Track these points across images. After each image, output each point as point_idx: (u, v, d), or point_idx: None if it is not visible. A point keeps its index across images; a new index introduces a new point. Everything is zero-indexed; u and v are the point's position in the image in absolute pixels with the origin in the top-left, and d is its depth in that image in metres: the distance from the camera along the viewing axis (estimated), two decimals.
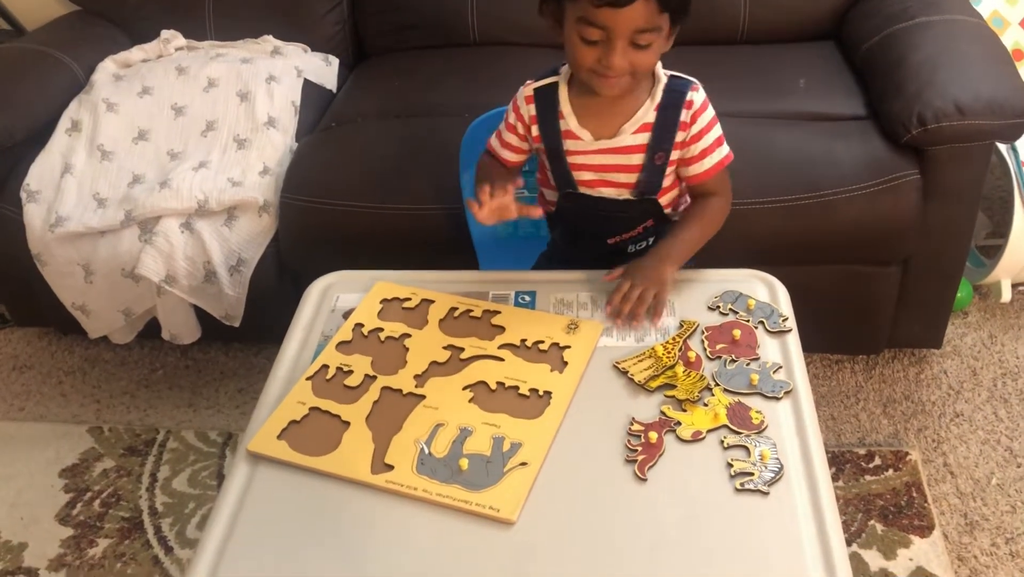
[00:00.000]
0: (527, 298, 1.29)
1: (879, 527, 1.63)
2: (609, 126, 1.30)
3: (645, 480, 1.00)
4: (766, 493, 0.98)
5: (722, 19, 2.16)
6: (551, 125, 1.32)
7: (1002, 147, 2.01)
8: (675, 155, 1.31)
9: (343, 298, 1.32)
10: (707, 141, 1.29)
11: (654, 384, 1.12)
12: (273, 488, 1.04)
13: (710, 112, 1.30)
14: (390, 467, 1.03)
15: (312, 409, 1.12)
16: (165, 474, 1.86)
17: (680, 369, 1.13)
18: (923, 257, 1.80)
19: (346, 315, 1.28)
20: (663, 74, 1.29)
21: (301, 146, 1.99)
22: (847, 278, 1.82)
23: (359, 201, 1.81)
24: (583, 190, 1.35)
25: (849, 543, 1.58)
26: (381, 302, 1.29)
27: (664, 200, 1.36)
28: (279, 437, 1.08)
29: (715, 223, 1.33)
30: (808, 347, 1.19)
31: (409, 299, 1.29)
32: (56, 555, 1.71)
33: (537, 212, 1.31)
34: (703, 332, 1.19)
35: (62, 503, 1.82)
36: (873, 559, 1.57)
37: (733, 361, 1.15)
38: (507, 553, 0.95)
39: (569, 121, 1.31)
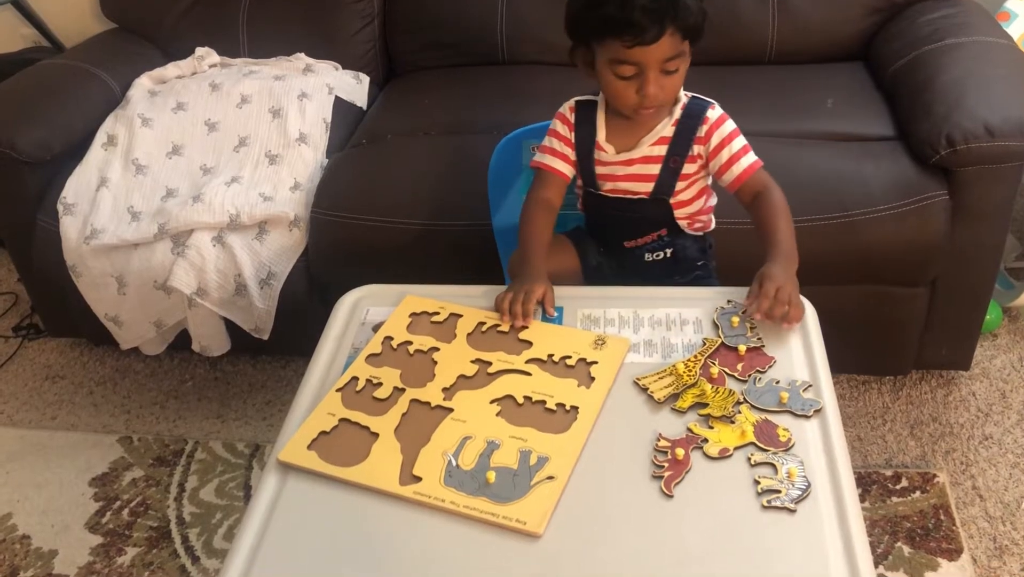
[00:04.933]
0: (554, 313, 1.30)
1: (906, 549, 1.62)
2: (630, 141, 1.42)
3: (672, 496, 1.01)
4: (793, 511, 0.98)
5: (751, 39, 2.17)
6: (586, 132, 1.44)
7: None
8: (691, 168, 1.40)
9: (373, 311, 1.34)
10: (734, 148, 1.39)
11: (684, 405, 1.12)
12: (303, 497, 1.05)
13: (729, 124, 1.40)
14: (418, 479, 1.04)
15: (342, 420, 1.13)
16: (193, 484, 1.89)
17: (708, 387, 1.13)
18: (951, 278, 1.79)
19: (376, 328, 1.29)
20: (683, 95, 1.40)
21: (332, 162, 2.01)
22: (874, 299, 1.81)
23: (388, 217, 1.83)
24: (604, 190, 1.46)
25: (876, 565, 1.56)
26: (410, 316, 1.31)
27: (680, 212, 1.45)
28: (309, 447, 1.10)
29: (786, 210, 1.36)
30: (835, 367, 1.19)
31: (438, 313, 1.31)
32: (85, 563, 1.73)
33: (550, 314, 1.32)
34: (713, 361, 1.19)
35: (92, 511, 1.84)
36: None
37: (761, 377, 1.15)
38: (533, 566, 0.95)
39: (599, 134, 1.43)
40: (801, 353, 1.20)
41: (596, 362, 1.19)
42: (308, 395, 1.20)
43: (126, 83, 2.23)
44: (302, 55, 2.32)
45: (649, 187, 1.42)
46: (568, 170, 1.46)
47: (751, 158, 1.39)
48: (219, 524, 1.79)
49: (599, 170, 1.44)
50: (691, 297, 1.32)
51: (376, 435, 1.11)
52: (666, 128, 1.39)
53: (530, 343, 1.24)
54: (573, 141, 1.44)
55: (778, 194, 1.39)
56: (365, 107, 2.27)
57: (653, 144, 1.40)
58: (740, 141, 1.39)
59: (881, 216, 1.69)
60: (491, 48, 2.28)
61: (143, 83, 2.23)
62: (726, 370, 1.16)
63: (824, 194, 1.72)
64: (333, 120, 2.13)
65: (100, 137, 2.10)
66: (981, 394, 1.95)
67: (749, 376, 1.15)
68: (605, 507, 1.01)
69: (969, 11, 2.04)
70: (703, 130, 1.38)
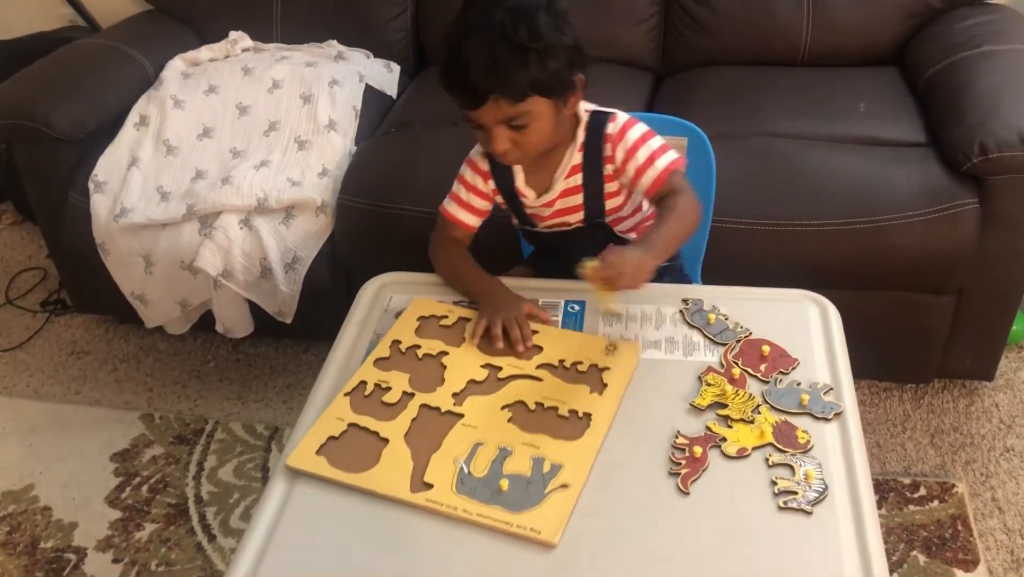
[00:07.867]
0: (576, 308, 1.30)
1: (922, 558, 1.61)
2: (545, 181, 1.36)
3: (688, 494, 1.01)
4: (809, 513, 0.98)
5: (784, 40, 2.15)
6: (504, 176, 1.38)
7: None
8: (612, 186, 1.34)
9: (396, 298, 1.34)
10: (639, 159, 1.28)
11: (704, 402, 1.12)
12: (311, 504, 1.03)
13: (634, 133, 1.29)
14: (429, 486, 1.02)
15: (350, 425, 1.11)
16: (212, 464, 1.90)
17: (728, 388, 1.13)
18: (979, 288, 1.77)
19: (398, 315, 1.30)
20: (583, 113, 1.32)
21: (360, 150, 2.02)
22: (899, 305, 1.80)
23: (414, 206, 1.84)
24: (541, 227, 1.42)
25: (891, 573, 1.56)
26: (418, 319, 1.28)
27: (621, 227, 1.40)
28: (318, 453, 1.07)
29: (687, 217, 1.23)
30: (856, 373, 1.18)
31: (446, 317, 1.29)
32: (104, 536, 1.76)
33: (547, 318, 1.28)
34: (736, 360, 1.18)
35: (112, 486, 1.87)
36: None
37: (782, 378, 1.14)
38: (548, 576, 0.94)
39: (517, 178, 1.37)
40: (824, 356, 1.19)
41: (608, 368, 1.17)
42: (329, 380, 1.20)
43: (160, 64, 2.25)
44: (334, 42, 2.33)
45: (580, 216, 1.37)
46: (474, 221, 1.42)
47: (663, 163, 1.27)
48: (236, 504, 1.81)
49: (528, 211, 1.40)
50: (716, 296, 1.31)
51: (386, 440, 1.08)
52: (574, 156, 1.32)
53: (540, 348, 1.22)
54: (488, 192, 1.40)
55: (682, 198, 1.24)
56: (395, 96, 2.27)
57: (567, 177, 1.33)
58: (646, 150, 1.27)
59: (910, 222, 1.68)
60: None
61: (176, 65, 2.25)
62: (748, 370, 1.16)
63: (853, 198, 1.71)
64: (363, 108, 2.14)
65: (132, 117, 2.12)
66: (1004, 406, 1.93)
67: (771, 377, 1.15)
68: (621, 507, 1.00)
69: (1007, 18, 2.02)
70: (607, 148, 1.30)
